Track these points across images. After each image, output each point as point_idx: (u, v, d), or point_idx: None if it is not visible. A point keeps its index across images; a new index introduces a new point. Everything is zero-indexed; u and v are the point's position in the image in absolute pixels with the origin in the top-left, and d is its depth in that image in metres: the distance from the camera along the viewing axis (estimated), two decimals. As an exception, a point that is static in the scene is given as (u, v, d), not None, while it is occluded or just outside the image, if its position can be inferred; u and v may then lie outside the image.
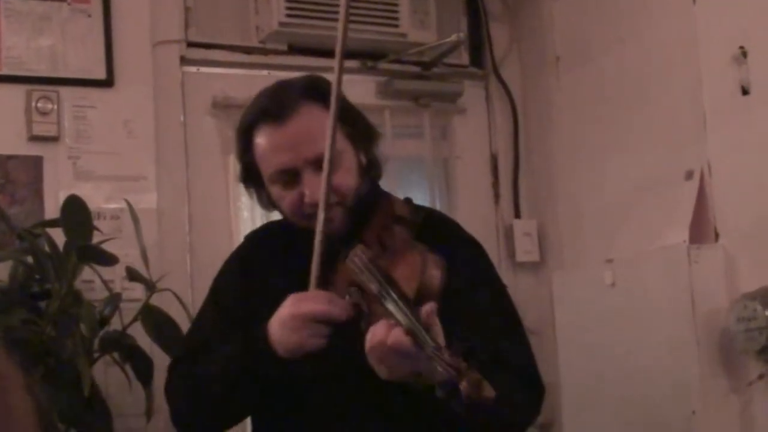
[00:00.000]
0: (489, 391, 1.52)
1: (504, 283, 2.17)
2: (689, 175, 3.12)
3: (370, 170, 2.08)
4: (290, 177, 1.98)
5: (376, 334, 1.69)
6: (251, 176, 2.08)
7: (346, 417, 1.99)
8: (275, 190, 2.03)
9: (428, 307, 1.67)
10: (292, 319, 1.86)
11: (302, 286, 1.93)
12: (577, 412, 3.43)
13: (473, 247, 2.14)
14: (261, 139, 2.02)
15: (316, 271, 1.92)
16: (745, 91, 2.96)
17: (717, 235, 3.05)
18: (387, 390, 1.80)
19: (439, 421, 1.79)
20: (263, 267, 2.14)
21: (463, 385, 1.50)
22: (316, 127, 1.96)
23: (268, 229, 2.28)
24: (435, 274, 1.83)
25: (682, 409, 2.98)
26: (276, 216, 2.18)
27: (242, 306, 2.09)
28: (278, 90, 2.06)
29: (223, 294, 2.19)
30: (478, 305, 1.98)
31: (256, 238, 2.27)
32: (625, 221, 3.37)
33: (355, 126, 2.06)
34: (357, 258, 1.85)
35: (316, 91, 2.03)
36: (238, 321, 2.06)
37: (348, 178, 1.99)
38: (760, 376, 2.88)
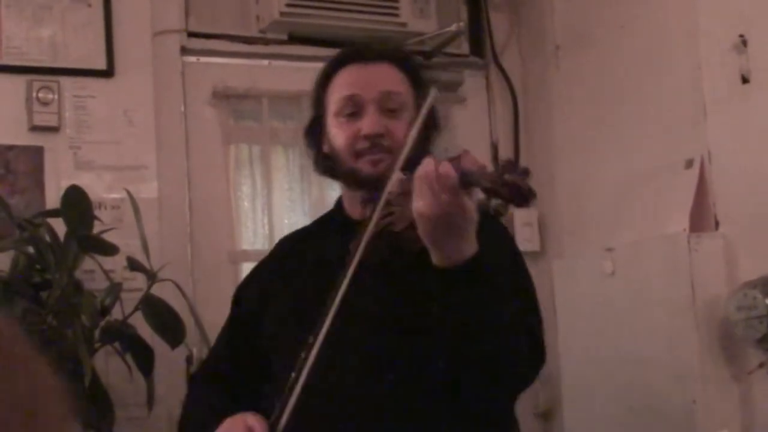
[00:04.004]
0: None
1: (524, 259, 2.21)
2: (689, 164, 3.12)
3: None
4: (354, 109, 2.09)
5: (426, 166, 1.77)
6: (315, 124, 2.19)
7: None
8: (335, 127, 2.11)
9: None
10: None
11: (316, 273, 2.08)
12: (577, 401, 3.43)
13: (497, 223, 2.29)
14: (342, 73, 2.15)
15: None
16: (745, 80, 2.95)
17: (717, 224, 3.05)
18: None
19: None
20: (282, 259, 2.26)
21: (507, 177, 1.67)
22: (394, 77, 2.13)
23: (289, 236, 2.42)
24: None
25: (682, 397, 2.98)
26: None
27: (257, 304, 2.20)
28: (370, 43, 2.26)
29: (237, 301, 2.30)
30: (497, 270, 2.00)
31: (278, 243, 2.40)
32: (625, 210, 3.37)
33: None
34: (392, 182, 1.95)
35: (403, 60, 2.18)
36: (251, 321, 2.19)
37: (404, 130, 2.07)
38: (761, 365, 2.88)
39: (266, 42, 3.65)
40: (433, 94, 2.03)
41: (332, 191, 3.71)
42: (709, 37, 3.07)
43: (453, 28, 3.74)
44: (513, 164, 1.72)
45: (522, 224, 3.84)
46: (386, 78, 2.12)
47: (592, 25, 3.58)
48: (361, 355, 1.99)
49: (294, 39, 3.67)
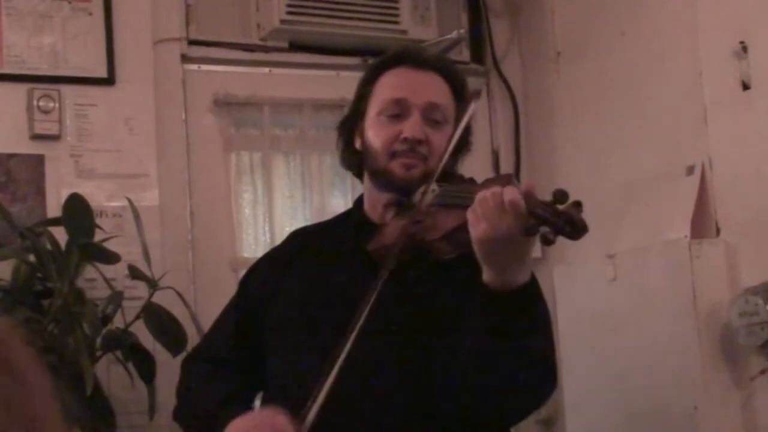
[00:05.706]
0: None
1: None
2: (690, 170, 3.12)
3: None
4: (398, 111, 2.10)
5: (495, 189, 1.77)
6: (353, 118, 2.19)
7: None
8: (374, 125, 2.12)
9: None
10: None
11: (329, 273, 2.12)
12: (579, 407, 3.43)
13: None
14: (393, 74, 2.17)
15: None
16: (745, 86, 2.96)
17: (718, 230, 3.05)
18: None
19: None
20: (295, 253, 2.24)
21: (563, 208, 1.70)
22: (442, 89, 2.15)
23: (303, 229, 2.41)
24: None
25: (683, 403, 2.98)
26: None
27: (265, 293, 2.20)
28: (426, 50, 2.31)
29: (244, 287, 2.31)
30: None
31: (291, 234, 2.40)
32: (626, 216, 3.37)
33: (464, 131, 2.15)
34: (426, 191, 1.98)
35: (452, 74, 2.19)
36: (257, 310, 2.18)
37: (443, 143, 2.08)
38: (762, 371, 2.88)
39: (267, 50, 3.66)
40: (472, 107, 2.04)
41: (334, 198, 3.73)
42: (710, 44, 3.07)
43: (453, 35, 3.74)
44: (566, 195, 1.73)
45: (523, 231, 3.84)
46: (435, 89, 2.14)
47: (593, 32, 3.58)
48: (372, 361, 1.97)
49: (294, 47, 3.68)
